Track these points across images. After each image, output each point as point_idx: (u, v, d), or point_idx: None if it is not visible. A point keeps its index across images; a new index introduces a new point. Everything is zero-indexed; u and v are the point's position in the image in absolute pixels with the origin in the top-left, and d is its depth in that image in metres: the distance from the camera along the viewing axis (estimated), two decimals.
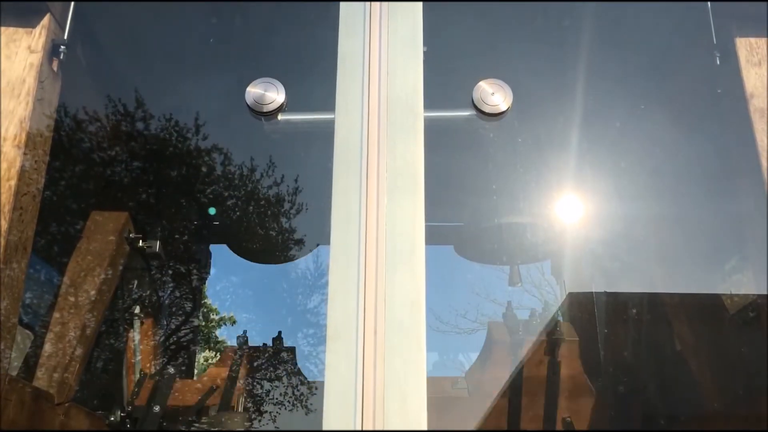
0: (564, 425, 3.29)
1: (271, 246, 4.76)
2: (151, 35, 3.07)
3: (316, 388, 4.06)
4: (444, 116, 2.37)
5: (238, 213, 4.46)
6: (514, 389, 3.36)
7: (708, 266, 3.46)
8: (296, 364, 4.22)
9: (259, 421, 4.04)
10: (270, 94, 2.28)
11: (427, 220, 1.82)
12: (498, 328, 3.66)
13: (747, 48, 2.45)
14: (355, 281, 1.73)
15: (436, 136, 1.99)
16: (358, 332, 1.68)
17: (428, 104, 1.97)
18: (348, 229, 1.79)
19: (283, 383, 4.11)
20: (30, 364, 2.76)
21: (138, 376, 3.56)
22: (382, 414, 1.61)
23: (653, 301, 3.45)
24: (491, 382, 3.49)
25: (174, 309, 4.55)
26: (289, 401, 4.14)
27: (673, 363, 3.33)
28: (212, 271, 4.51)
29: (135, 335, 3.64)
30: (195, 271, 4.46)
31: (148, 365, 3.75)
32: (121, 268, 3.27)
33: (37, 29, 2.38)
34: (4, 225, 2.12)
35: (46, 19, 2.39)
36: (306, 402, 4.12)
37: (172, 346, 4.50)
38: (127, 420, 3.34)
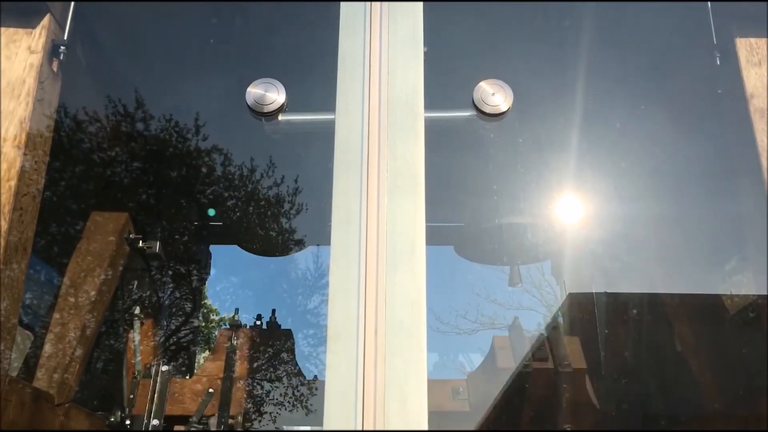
0: None
1: (271, 246, 4.76)
2: (151, 35, 3.07)
3: (317, 389, 4.05)
4: (444, 116, 2.37)
5: (238, 213, 4.46)
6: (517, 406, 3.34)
7: (708, 266, 3.46)
8: (296, 364, 4.22)
9: (260, 421, 4.04)
10: (270, 94, 2.28)
11: (427, 220, 1.82)
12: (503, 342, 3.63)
13: (747, 48, 2.45)
14: (356, 281, 1.73)
15: (436, 136, 1.99)
16: (359, 332, 1.68)
17: (429, 104, 1.97)
18: (348, 230, 1.79)
19: (283, 384, 4.11)
20: (30, 365, 2.76)
21: (138, 377, 3.55)
22: (383, 414, 1.61)
23: (653, 302, 3.44)
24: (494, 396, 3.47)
25: (174, 309, 4.54)
26: (289, 402, 4.13)
27: (673, 363, 3.33)
28: (212, 271, 4.52)
29: (135, 336, 3.63)
30: (195, 271, 4.45)
31: (147, 366, 3.74)
32: (121, 268, 3.28)
33: (37, 30, 2.38)
34: (4, 225, 2.12)
35: (46, 20, 2.39)
36: (306, 402, 4.12)
37: (172, 347, 4.49)
38: (127, 420, 3.34)
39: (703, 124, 3.00)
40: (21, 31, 2.37)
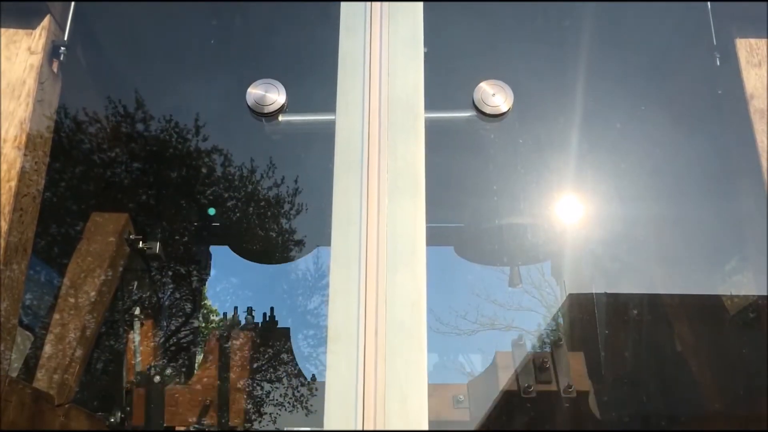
0: None
1: (271, 247, 4.76)
2: (151, 36, 3.07)
3: (317, 389, 4.05)
4: (445, 117, 2.38)
5: (238, 214, 4.46)
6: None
7: (708, 267, 3.46)
8: (296, 364, 4.22)
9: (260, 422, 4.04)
10: (271, 95, 2.28)
11: (427, 221, 1.82)
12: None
13: (747, 49, 2.45)
14: (356, 282, 1.73)
15: (436, 136, 1.99)
16: (359, 333, 1.68)
17: (429, 105, 1.97)
18: (349, 230, 1.79)
19: (283, 384, 4.11)
20: (30, 366, 2.76)
21: (138, 377, 3.55)
22: (383, 414, 1.61)
23: (654, 302, 3.44)
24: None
25: (174, 310, 4.54)
26: (288, 402, 4.13)
27: (673, 363, 3.33)
28: (212, 272, 4.51)
29: (135, 336, 3.63)
30: (195, 272, 4.45)
31: (147, 366, 3.74)
32: (121, 269, 3.27)
33: (37, 30, 2.38)
34: (4, 226, 2.12)
35: (46, 20, 2.39)
36: (306, 403, 4.11)
37: (172, 348, 4.49)
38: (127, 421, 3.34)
39: (703, 124, 3.00)
40: (21, 31, 2.37)
